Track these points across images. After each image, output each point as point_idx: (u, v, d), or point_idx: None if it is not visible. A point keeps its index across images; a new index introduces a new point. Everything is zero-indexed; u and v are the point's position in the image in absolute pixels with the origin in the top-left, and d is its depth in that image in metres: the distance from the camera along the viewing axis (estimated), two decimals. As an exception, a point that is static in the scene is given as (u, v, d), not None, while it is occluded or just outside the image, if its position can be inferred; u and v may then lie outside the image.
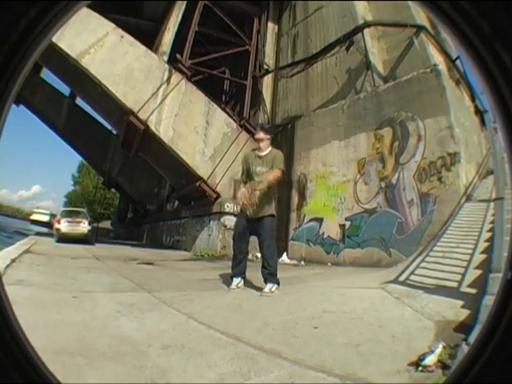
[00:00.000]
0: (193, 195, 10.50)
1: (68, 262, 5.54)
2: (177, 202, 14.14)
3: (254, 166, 3.66)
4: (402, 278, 3.41)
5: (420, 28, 7.08)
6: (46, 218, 30.88)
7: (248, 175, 3.72)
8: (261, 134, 3.75)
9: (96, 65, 8.73)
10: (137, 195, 19.75)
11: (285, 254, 8.06)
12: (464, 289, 2.73)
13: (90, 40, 8.70)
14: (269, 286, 3.42)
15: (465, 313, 2.25)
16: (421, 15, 7.10)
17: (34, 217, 34.25)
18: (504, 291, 0.64)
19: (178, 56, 9.83)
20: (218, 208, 9.15)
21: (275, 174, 3.55)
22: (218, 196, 9.41)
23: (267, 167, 3.62)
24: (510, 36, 0.56)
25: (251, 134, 9.91)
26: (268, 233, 3.58)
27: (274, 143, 4.09)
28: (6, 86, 0.61)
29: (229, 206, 8.97)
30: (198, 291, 3.56)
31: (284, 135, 9.50)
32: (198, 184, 9.32)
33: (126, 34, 9.25)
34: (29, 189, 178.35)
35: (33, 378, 0.63)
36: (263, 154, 3.71)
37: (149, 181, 18.32)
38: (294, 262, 7.58)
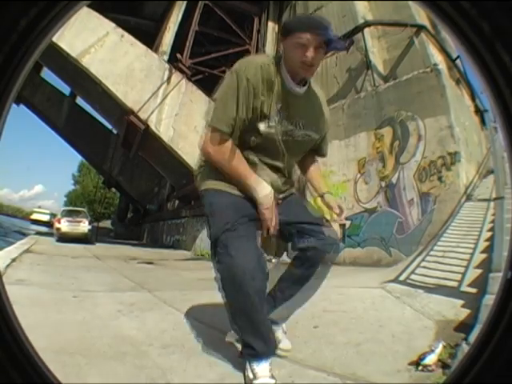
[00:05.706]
0: (193, 195, 10.50)
1: (68, 262, 5.55)
2: (177, 202, 14.15)
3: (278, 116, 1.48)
4: (402, 278, 3.39)
5: (420, 27, 7.07)
6: (46, 218, 31.03)
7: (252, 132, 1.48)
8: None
9: (96, 64, 8.74)
10: (137, 195, 19.76)
11: (285, 253, 8.05)
12: (464, 288, 2.72)
13: (90, 39, 8.70)
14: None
15: (465, 312, 2.25)
16: (421, 15, 7.09)
17: (35, 216, 34.41)
18: (504, 291, 0.64)
19: (179, 55, 9.83)
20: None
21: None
22: (219, 195, 9.41)
23: (309, 131, 1.57)
24: (510, 36, 0.56)
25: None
26: None
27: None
28: (6, 86, 0.61)
29: None
30: (198, 290, 3.56)
31: (284, 135, 9.47)
32: (198, 184, 9.32)
33: (126, 34, 9.25)
34: (31, 188, 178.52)
35: (33, 377, 0.63)
36: (302, 90, 1.54)
37: (149, 180, 18.34)
38: (294, 261, 7.58)
